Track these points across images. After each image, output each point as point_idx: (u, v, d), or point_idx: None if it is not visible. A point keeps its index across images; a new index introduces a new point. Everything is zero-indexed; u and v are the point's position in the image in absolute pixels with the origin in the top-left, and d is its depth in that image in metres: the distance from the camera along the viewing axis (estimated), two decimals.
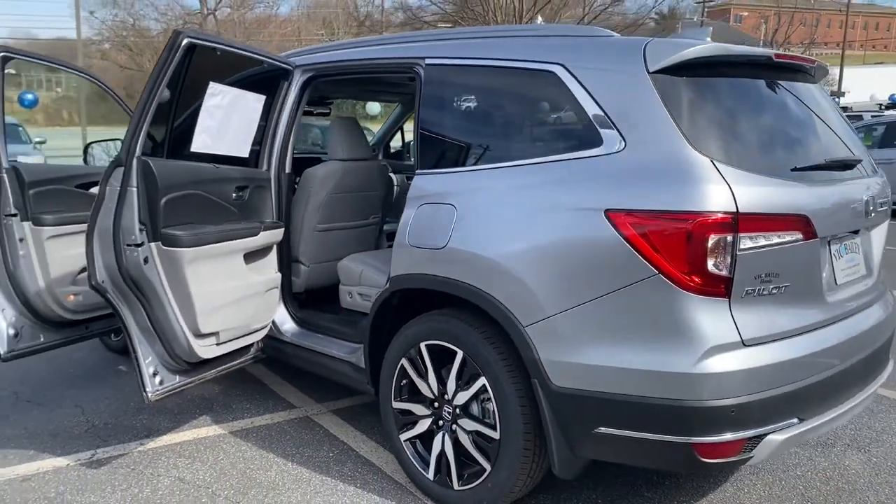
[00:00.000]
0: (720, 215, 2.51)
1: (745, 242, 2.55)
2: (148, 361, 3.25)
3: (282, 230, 3.82)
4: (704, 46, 2.75)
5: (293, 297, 4.14)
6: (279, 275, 3.85)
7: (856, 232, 3.06)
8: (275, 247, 3.83)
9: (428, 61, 3.40)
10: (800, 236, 2.69)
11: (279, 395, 4.49)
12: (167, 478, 3.45)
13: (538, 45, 3.14)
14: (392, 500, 3.28)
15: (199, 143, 3.32)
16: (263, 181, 3.78)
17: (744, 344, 2.58)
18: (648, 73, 2.74)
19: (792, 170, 2.78)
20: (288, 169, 3.98)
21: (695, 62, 2.73)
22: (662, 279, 2.55)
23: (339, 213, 4.23)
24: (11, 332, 3.82)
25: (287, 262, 4.09)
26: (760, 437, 2.65)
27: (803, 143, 3.04)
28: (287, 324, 4.05)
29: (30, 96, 20.50)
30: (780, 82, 3.09)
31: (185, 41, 2.99)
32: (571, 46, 3.07)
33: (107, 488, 3.34)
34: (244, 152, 3.66)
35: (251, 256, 3.62)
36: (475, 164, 3.21)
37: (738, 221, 2.53)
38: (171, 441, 3.83)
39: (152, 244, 3.07)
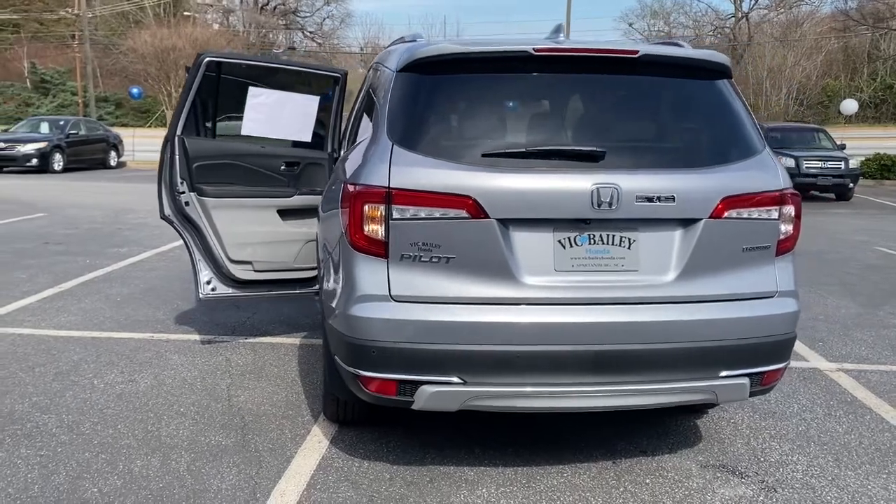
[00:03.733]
0: (374, 189, 3.04)
1: (401, 213, 3.02)
2: (204, 273, 4.90)
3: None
4: (431, 48, 3.20)
5: None
6: None
7: (586, 222, 3.03)
8: None
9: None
10: (465, 214, 2.98)
11: None
12: (224, 358, 5.06)
13: (394, 50, 3.82)
14: (309, 398, 4.34)
15: (248, 129, 4.82)
16: (318, 160, 5.08)
17: (392, 298, 3.04)
18: (395, 71, 3.31)
19: (483, 155, 3.03)
20: None
21: (428, 61, 3.20)
22: (345, 237, 3.18)
23: None
24: None
25: None
26: (415, 384, 3.07)
27: (528, 133, 3.14)
28: None
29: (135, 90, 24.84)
30: (565, 73, 3.22)
31: (205, 59, 4.51)
32: (392, 50, 3.69)
33: (186, 354, 5.11)
34: (306, 138, 5.03)
35: (292, 213, 4.98)
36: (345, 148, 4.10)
37: (392, 196, 3.02)
38: (259, 340, 5.43)
39: (191, 193, 4.70)
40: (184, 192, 4.73)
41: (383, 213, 3.03)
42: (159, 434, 3.87)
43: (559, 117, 3.26)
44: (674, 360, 3.08)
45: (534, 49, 3.14)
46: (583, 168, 3.05)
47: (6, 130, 24.11)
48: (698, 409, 4.20)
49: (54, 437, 3.81)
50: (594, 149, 3.06)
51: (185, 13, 48.19)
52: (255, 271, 4.97)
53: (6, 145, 20.77)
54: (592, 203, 2.99)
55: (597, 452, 3.75)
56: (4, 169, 20.93)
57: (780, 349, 3.26)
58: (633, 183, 3.02)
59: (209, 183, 4.74)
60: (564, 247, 3.06)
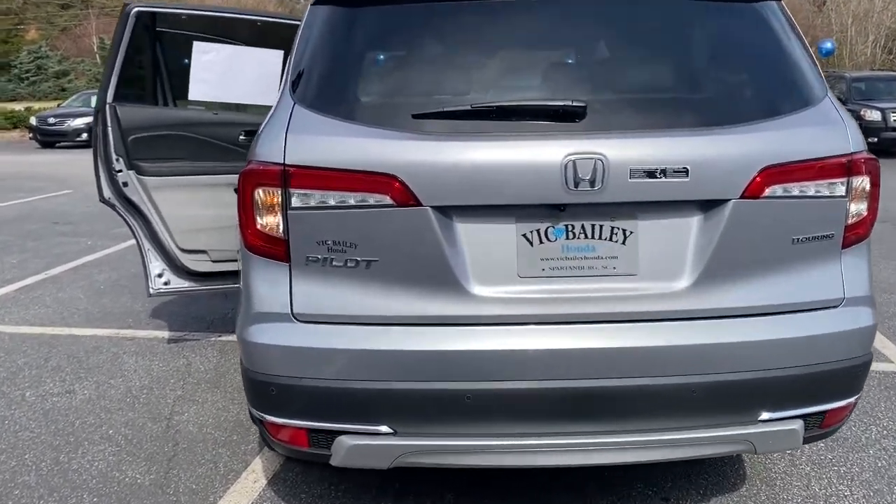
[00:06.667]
0: (267, 167, 2.21)
1: (303, 200, 2.19)
2: (154, 265, 4.17)
3: None
4: None
5: None
6: None
7: (561, 208, 2.13)
8: None
9: None
10: (389, 201, 2.12)
11: None
12: (185, 361, 4.36)
13: None
14: None
15: (196, 93, 4.03)
16: None
17: (294, 318, 2.23)
18: (310, 5, 2.46)
19: (413, 117, 2.15)
20: None
21: None
22: (240, 233, 2.37)
23: None
24: None
25: None
26: (331, 434, 2.26)
27: (477, 84, 2.23)
28: None
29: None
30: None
31: (132, 10, 3.73)
32: None
33: (145, 356, 4.43)
34: (270, 101, 4.20)
35: None
36: None
37: (289, 175, 2.18)
38: (230, 339, 4.69)
39: (130, 172, 3.95)
40: (121, 171, 4.00)
41: (280, 201, 2.20)
42: (69, 468, 3.19)
43: (523, 61, 2.35)
44: (689, 400, 2.17)
45: None
46: (553, 132, 2.13)
47: (59, 105, 24.16)
48: None
49: None
50: (569, 103, 2.12)
51: None
52: (212, 261, 4.22)
53: (57, 120, 20.71)
54: (567, 182, 2.08)
55: (604, 500, 2.88)
56: (57, 145, 20.90)
57: (847, 379, 2.31)
58: (627, 151, 2.09)
59: (149, 159, 3.99)
60: (532, 243, 2.17)
